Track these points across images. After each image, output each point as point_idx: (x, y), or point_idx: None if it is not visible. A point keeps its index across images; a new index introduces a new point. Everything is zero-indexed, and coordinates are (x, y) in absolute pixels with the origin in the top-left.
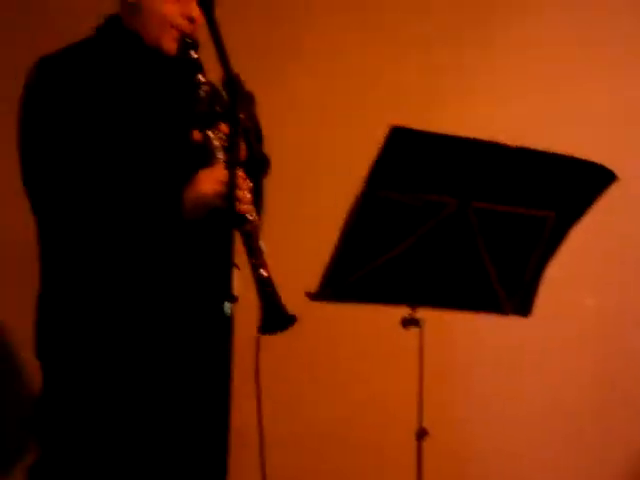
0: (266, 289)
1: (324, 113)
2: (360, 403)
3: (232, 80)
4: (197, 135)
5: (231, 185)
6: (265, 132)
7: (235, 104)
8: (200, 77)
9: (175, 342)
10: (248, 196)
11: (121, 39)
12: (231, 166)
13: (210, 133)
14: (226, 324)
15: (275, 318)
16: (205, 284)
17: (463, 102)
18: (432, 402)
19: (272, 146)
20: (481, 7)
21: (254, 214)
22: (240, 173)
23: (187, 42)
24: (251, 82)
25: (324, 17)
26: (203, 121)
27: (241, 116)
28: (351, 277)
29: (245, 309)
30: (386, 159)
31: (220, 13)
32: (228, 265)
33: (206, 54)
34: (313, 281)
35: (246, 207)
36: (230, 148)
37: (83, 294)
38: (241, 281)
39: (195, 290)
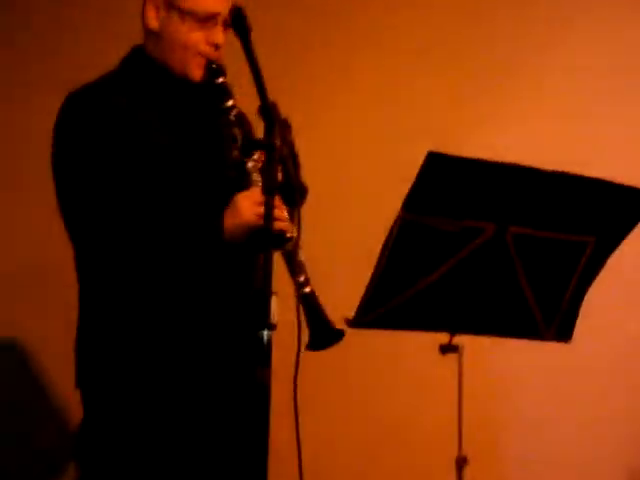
0: (312, 305)
1: (359, 139)
2: (399, 430)
3: (268, 106)
4: (232, 158)
5: (268, 205)
6: (301, 157)
7: (271, 130)
8: (229, 102)
9: (214, 370)
10: (285, 215)
11: (147, 69)
12: (268, 188)
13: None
14: (264, 351)
15: (323, 333)
16: (243, 312)
17: (498, 127)
18: (471, 429)
19: (308, 171)
20: (520, 32)
21: (293, 232)
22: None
23: (213, 69)
24: (286, 107)
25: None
26: (236, 144)
27: (277, 142)
28: (389, 303)
29: (284, 331)
30: (423, 185)
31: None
32: (267, 292)
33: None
34: (351, 307)
35: (284, 225)
36: (266, 171)
37: (122, 321)
38: (279, 307)
39: (234, 318)
